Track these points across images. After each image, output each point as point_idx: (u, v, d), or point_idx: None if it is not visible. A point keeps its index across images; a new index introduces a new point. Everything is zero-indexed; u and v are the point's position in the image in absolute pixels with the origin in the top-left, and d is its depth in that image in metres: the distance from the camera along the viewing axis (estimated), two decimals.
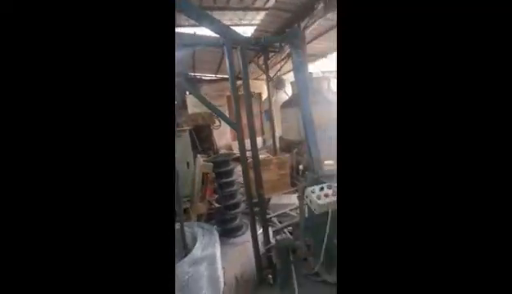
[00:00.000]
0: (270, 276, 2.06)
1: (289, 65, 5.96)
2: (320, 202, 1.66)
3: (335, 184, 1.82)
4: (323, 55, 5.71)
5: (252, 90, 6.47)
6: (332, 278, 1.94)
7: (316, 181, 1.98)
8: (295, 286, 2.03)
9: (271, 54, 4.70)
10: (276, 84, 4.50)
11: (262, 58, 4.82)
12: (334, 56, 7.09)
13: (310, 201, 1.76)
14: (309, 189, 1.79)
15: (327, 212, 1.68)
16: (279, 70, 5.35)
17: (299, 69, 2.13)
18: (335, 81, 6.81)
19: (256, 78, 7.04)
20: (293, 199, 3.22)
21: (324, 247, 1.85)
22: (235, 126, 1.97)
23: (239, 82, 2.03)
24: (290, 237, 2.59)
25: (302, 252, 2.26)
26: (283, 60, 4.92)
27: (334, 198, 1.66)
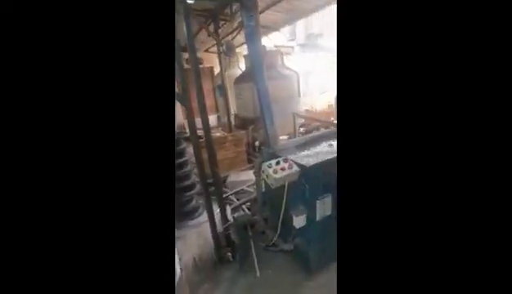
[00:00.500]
0: (229, 254, 2.05)
1: (241, 38, 5.67)
2: (276, 176, 1.65)
3: (291, 157, 1.83)
4: (276, 27, 5.56)
5: (204, 64, 6.05)
6: (288, 246, 2.03)
7: (272, 156, 1.97)
8: (255, 259, 2.08)
9: (221, 22, 4.35)
10: (226, 50, 4.22)
11: (212, 26, 4.43)
12: (287, 30, 7.03)
13: (267, 176, 1.74)
14: (265, 164, 1.77)
15: (283, 186, 1.69)
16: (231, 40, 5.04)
17: (252, 38, 1.98)
18: (289, 56, 6.97)
19: (207, 50, 6.58)
20: (251, 175, 3.22)
21: (281, 219, 1.90)
22: (184, 102, 1.78)
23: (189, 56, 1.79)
24: (248, 213, 2.61)
25: (260, 226, 2.30)
26: (235, 30, 4.62)
27: (291, 171, 1.68)
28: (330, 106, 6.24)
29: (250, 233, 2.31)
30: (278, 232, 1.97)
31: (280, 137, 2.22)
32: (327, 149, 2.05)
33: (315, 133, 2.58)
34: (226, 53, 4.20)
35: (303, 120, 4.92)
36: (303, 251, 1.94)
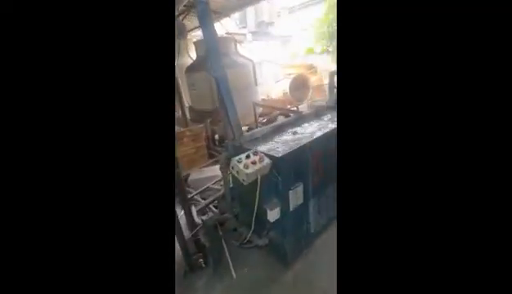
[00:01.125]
0: (201, 260, 1.88)
1: (191, 23, 5.22)
2: (248, 171, 1.53)
3: (261, 149, 1.73)
4: (226, 13, 5.28)
5: None
6: (263, 241, 1.96)
7: (239, 149, 1.83)
8: (229, 260, 1.95)
9: None
10: (177, 32, 3.82)
11: None
12: (237, 16, 6.78)
13: (237, 172, 1.60)
14: (234, 159, 1.62)
15: (255, 180, 1.58)
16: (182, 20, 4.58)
17: (206, 19, 1.76)
18: (242, 44, 6.82)
19: None
20: (215, 171, 3.02)
21: (255, 214, 1.80)
22: None
23: None
24: (217, 211, 2.44)
25: (231, 224, 2.17)
26: (185, 11, 4.20)
27: (262, 164, 1.57)
28: (285, 94, 6.34)
29: (221, 233, 2.16)
30: (252, 228, 1.87)
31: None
32: (292, 137, 2.01)
33: (278, 122, 2.53)
34: (177, 36, 3.78)
35: (261, 109, 4.87)
36: (279, 243, 1.89)
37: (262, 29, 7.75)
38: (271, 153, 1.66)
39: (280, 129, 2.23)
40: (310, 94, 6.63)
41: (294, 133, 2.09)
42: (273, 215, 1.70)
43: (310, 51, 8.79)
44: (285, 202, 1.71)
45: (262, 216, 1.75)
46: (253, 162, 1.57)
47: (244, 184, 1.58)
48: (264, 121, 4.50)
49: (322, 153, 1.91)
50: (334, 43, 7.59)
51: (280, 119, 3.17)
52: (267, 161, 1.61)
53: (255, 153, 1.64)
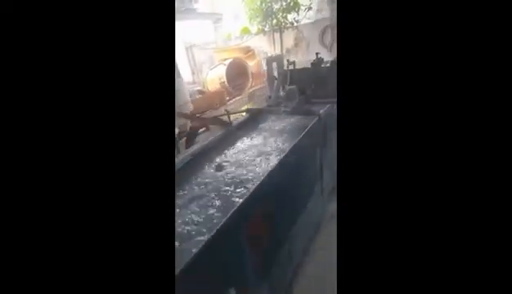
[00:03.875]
0: None
1: None
2: None
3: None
4: None
5: None
6: None
7: None
8: None
9: None
10: None
11: None
12: None
13: None
14: None
15: None
16: None
17: None
18: None
19: None
20: None
21: None
22: None
23: None
24: None
25: None
26: None
27: None
28: (222, 84, 5.46)
29: None
30: None
31: None
32: (213, 182, 1.24)
33: (196, 144, 1.70)
34: None
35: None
36: None
37: (184, 5, 6.45)
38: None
39: (198, 160, 1.44)
40: (250, 82, 5.92)
41: (219, 168, 1.33)
42: None
43: (245, 31, 7.95)
44: None
45: None
46: None
47: None
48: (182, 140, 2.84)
49: (269, 210, 1.21)
50: (270, 22, 6.92)
51: (203, 137, 2.33)
52: None
53: None
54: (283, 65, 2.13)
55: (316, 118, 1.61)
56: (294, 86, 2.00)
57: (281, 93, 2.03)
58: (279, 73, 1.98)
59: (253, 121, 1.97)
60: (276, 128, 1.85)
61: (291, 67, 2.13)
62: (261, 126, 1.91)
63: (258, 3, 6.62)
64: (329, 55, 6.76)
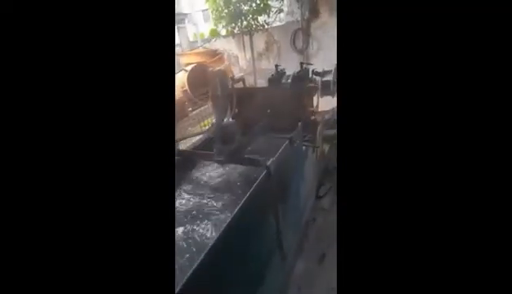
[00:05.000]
0: None
1: None
2: None
3: None
4: None
5: None
6: None
7: None
8: None
9: None
10: None
11: None
12: None
13: None
14: None
15: None
16: None
17: None
18: None
19: None
20: None
21: None
22: None
23: None
24: None
25: None
26: None
27: None
28: (184, 92, 4.86)
29: None
30: None
31: None
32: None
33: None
34: None
35: None
36: None
37: None
38: None
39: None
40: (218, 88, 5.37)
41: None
42: None
43: (213, 33, 7.39)
44: None
45: None
46: None
47: None
48: None
49: None
50: (240, 24, 6.44)
51: None
52: None
53: None
54: (227, 84, 1.60)
55: (264, 172, 1.14)
56: (234, 120, 1.48)
57: (228, 120, 1.54)
58: (222, 95, 1.48)
59: (184, 168, 1.46)
60: (214, 182, 1.36)
61: (239, 85, 1.67)
62: (195, 175, 1.42)
63: (222, 3, 6.10)
64: (298, 61, 6.46)
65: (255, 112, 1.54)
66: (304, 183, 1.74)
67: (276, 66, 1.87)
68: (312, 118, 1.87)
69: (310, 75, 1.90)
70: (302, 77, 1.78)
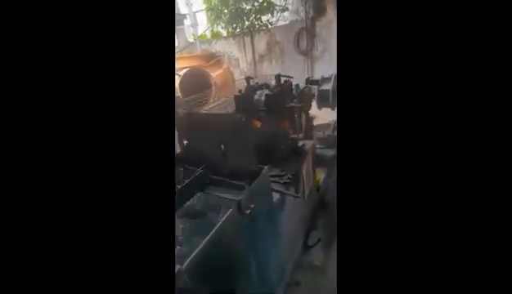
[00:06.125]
0: None
1: None
2: None
3: None
4: None
5: None
6: None
7: None
8: None
9: None
10: None
11: None
12: None
13: None
14: None
15: None
16: None
17: None
18: None
19: None
20: None
21: None
22: None
23: None
24: None
25: None
26: None
27: None
28: (176, 98, 4.51)
29: None
30: None
31: None
32: None
33: None
34: None
35: None
36: None
37: None
38: None
39: None
40: (213, 96, 4.99)
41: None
42: None
43: (215, 34, 7.02)
44: None
45: None
46: None
47: None
48: None
49: None
50: (242, 24, 6.04)
51: None
52: None
53: None
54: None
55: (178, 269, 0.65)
56: (179, 155, 1.04)
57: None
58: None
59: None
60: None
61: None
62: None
63: (220, 3, 5.71)
64: (302, 63, 5.96)
65: (205, 149, 1.10)
66: (280, 238, 1.26)
67: (248, 79, 1.44)
68: (297, 145, 1.41)
69: (293, 90, 1.45)
70: (280, 95, 1.32)
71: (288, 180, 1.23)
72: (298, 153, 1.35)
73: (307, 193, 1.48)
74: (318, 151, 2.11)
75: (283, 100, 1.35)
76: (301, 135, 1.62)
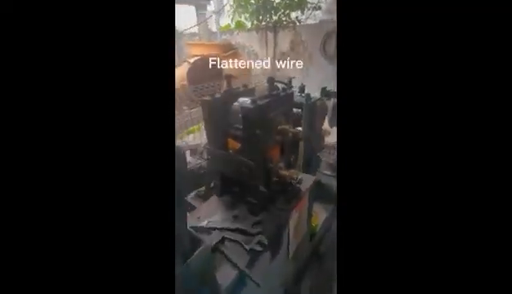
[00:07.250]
0: None
1: None
2: None
3: None
4: None
5: None
6: None
7: None
8: None
9: None
10: None
11: None
12: None
13: None
14: None
15: None
16: None
17: None
18: None
19: None
20: None
21: None
22: None
23: None
24: None
25: None
26: None
27: None
28: (183, 86, 4.23)
29: None
30: None
31: None
32: None
33: None
34: None
35: None
36: None
37: None
38: None
39: None
40: (223, 88, 4.65)
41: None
42: None
43: (239, 24, 6.67)
44: None
45: None
46: None
47: None
48: None
49: None
50: (270, 17, 5.62)
51: None
52: None
53: None
54: None
55: None
56: None
57: None
58: None
59: None
60: None
61: None
62: None
63: None
64: (327, 68, 5.41)
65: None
66: None
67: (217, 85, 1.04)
68: (288, 184, 0.97)
69: (292, 101, 1.01)
70: (268, 108, 0.88)
71: (258, 246, 0.77)
72: (288, 196, 0.90)
73: (291, 253, 1.04)
74: (323, 179, 1.64)
75: (274, 117, 0.89)
76: (296, 170, 1.17)
